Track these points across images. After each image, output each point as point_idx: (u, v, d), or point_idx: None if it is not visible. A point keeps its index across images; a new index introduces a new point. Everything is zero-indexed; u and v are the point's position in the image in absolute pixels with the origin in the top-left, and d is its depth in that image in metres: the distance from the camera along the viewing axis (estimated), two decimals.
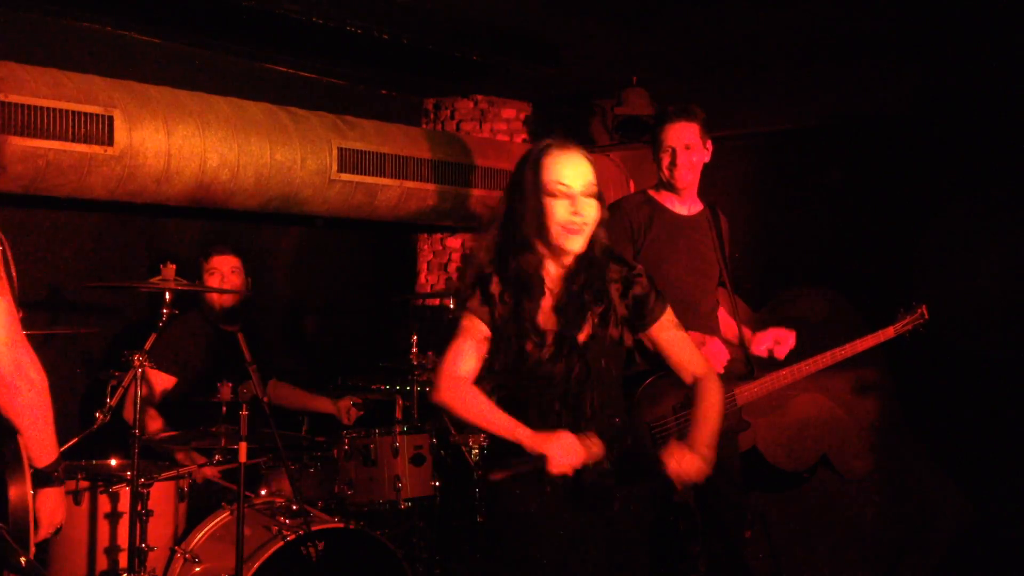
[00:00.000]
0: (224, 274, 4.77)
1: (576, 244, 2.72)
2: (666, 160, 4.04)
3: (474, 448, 4.88)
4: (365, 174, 5.25)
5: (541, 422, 2.76)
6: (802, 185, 5.66)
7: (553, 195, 2.71)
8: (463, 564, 5.14)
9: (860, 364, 5.43)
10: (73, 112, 4.21)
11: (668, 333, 2.85)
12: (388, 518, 4.61)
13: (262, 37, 5.25)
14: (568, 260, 2.77)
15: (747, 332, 4.29)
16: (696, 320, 4.12)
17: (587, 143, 6.46)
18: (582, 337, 2.75)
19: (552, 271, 2.80)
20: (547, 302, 2.78)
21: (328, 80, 6.01)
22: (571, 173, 2.71)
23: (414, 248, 6.78)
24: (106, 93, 4.39)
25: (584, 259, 2.76)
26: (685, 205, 4.12)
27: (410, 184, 5.45)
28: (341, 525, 4.11)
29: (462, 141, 5.99)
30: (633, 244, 4.01)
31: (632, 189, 6.48)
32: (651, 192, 4.16)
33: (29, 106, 4.09)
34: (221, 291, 4.65)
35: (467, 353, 2.77)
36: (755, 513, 5.48)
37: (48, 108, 4.14)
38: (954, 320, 5.19)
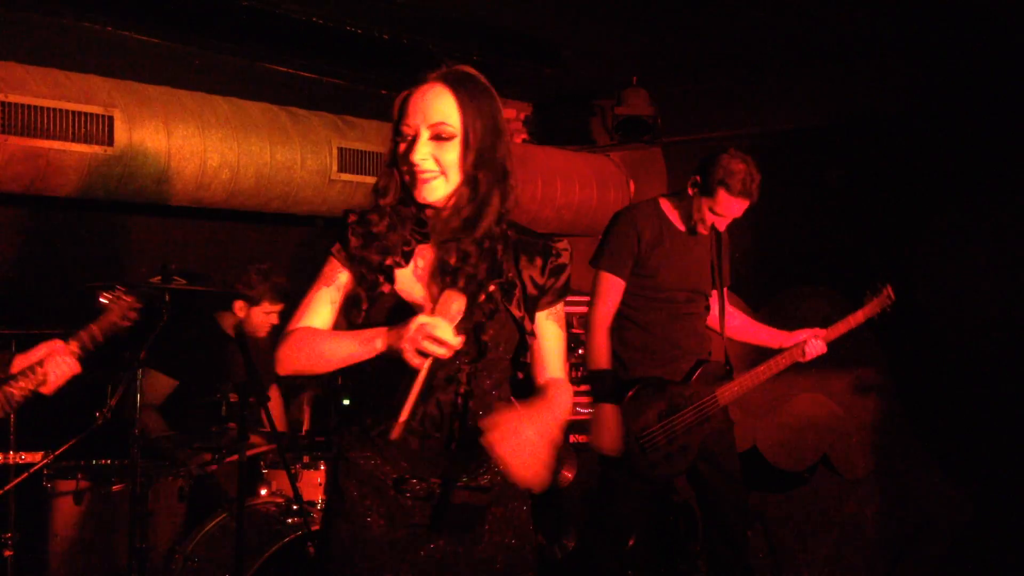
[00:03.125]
0: (267, 316, 4.70)
1: (428, 194, 2.21)
2: (709, 218, 4.03)
3: None
4: (365, 174, 5.25)
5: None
6: (802, 185, 5.66)
7: (400, 137, 2.23)
8: None
9: (860, 364, 5.45)
10: (73, 112, 4.21)
11: (552, 326, 2.35)
12: None
13: (262, 37, 5.25)
14: (434, 213, 2.27)
15: (769, 331, 4.32)
16: (689, 328, 4.14)
17: (587, 143, 6.52)
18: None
19: (432, 223, 2.29)
20: (426, 266, 2.27)
21: (328, 80, 6.01)
22: (413, 109, 2.22)
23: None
24: (106, 93, 4.38)
25: (463, 213, 2.25)
26: (689, 223, 4.14)
27: None
28: None
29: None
30: (634, 254, 4.03)
31: (632, 189, 6.48)
32: (663, 205, 4.15)
33: (29, 106, 4.09)
34: (218, 290, 4.64)
35: (318, 303, 2.27)
36: (755, 513, 5.49)
37: (48, 108, 4.14)
38: (954, 320, 5.20)
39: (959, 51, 5.19)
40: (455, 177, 2.23)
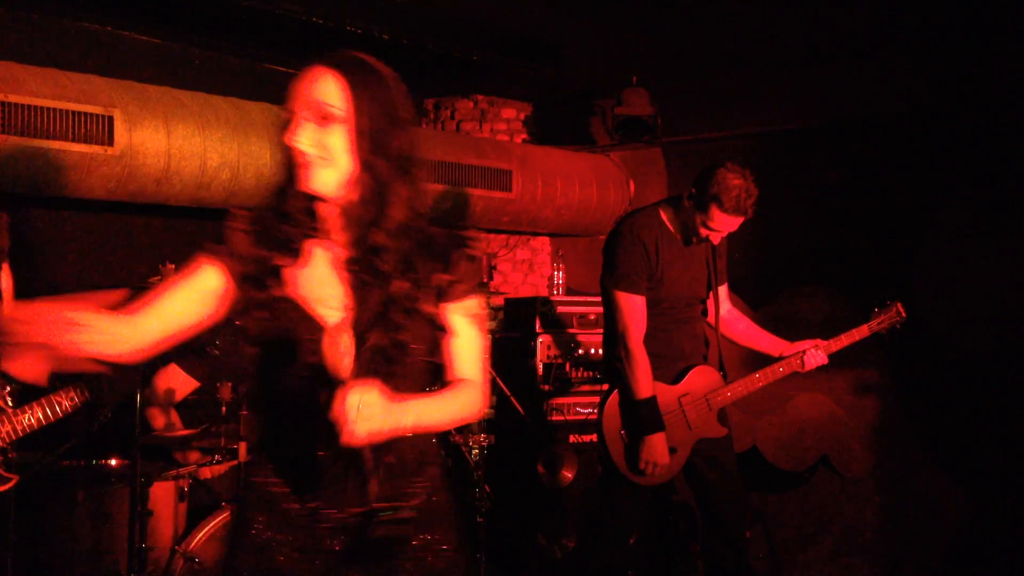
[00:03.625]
0: None
1: (312, 182, 1.99)
2: (703, 232, 4.01)
3: (474, 448, 4.88)
4: None
5: (304, 431, 2.01)
6: (802, 185, 5.66)
7: (285, 120, 2.03)
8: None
9: (860, 364, 5.44)
10: (73, 112, 4.21)
11: (464, 322, 2.11)
12: None
13: (262, 37, 5.25)
14: (324, 205, 2.06)
15: (770, 338, 4.30)
16: (687, 337, 4.14)
17: (587, 143, 6.52)
18: (370, 314, 2.01)
19: (321, 213, 2.07)
20: (319, 250, 2.07)
21: None
22: (296, 92, 2.02)
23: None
24: (106, 93, 4.38)
25: (375, 211, 2.02)
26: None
27: None
28: None
29: (462, 141, 6.00)
30: (648, 268, 4.01)
31: (632, 189, 6.48)
32: (661, 214, 4.13)
33: (29, 106, 4.09)
34: None
35: (167, 294, 2.02)
36: (755, 513, 5.48)
37: (48, 108, 4.14)
38: (954, 320, 5.20)
39: (959, 51, 5.19)
40: (345, 164, 2.00)
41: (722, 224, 3.95)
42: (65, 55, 4.75)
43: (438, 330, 2.08)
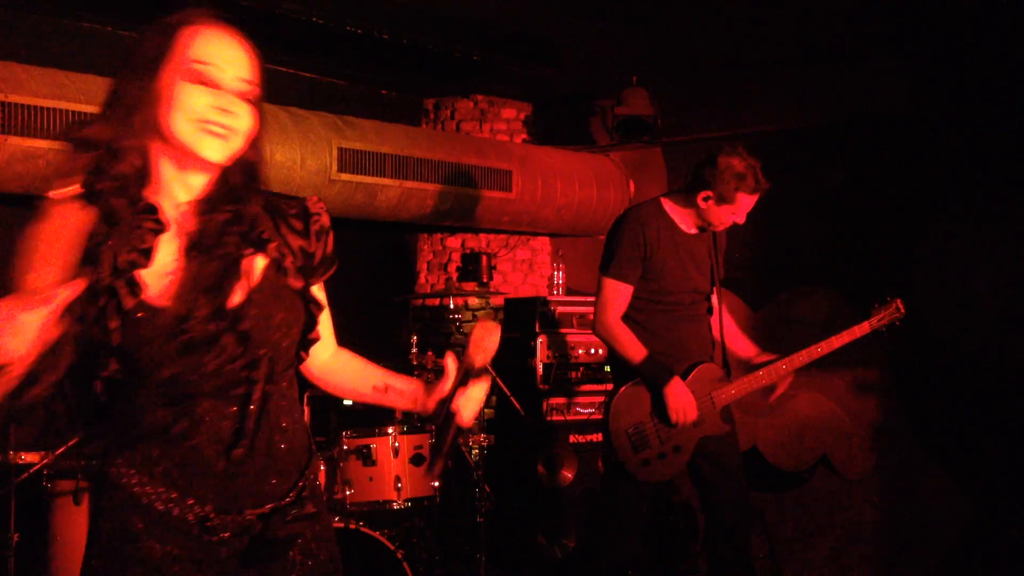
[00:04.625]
0: None
1: (215, 153, 1.84)
2: (729, 220, 4.02)
3: (474, 448, 4.88)
4: (365, 174, 5.25)
5: (178, 438, 1.81)
6: (802, 185, 5.66)
7: (190, 78, 1.80)
8: (463, 564, 5.15)
9: (860, 364, 5.44)
10: (73, 112, 4.20)
11: (324, 297, 2.04)
12: (388, 518, 4.61)
13: (262, 37, 5.24)
14: (199, 181, 1.86)
15: (746, 342, 4.30)
16: (691, 331, 4.14)
17: (587, 143, 6.52)
18: (240, 297, 1.83)
19: (178, 195, 1.84)
20: (172, 241, 1.82)
21: (328, 80, 6.01)
22: (225, 55, 1.88)
23: (414, 248, 6.78)
24: (106, 93, 4.38)
25: (232, 180, 1.91)
26: (692, 225, 4.13)
27: (410, 184, 5.45)
28: (341, 525, 4.11)
29: (462, 141, 6.00)
30: (642, 259, 4.02)
31: (632, 189, 6.49)
32: (665, 205, 4.14)
33: (30, 106, 4.09)
34: None
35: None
36: (755, 513, 5.49)
37: (48, 108, 4.14)
38: (954, 320, 5.20)
39: (959, 51, 5.19)
40: (238, 144, 1.92)
41: (749, 206, 3.98)
42: (65, 55, 4.75)
43: (309, 305, 1.96)
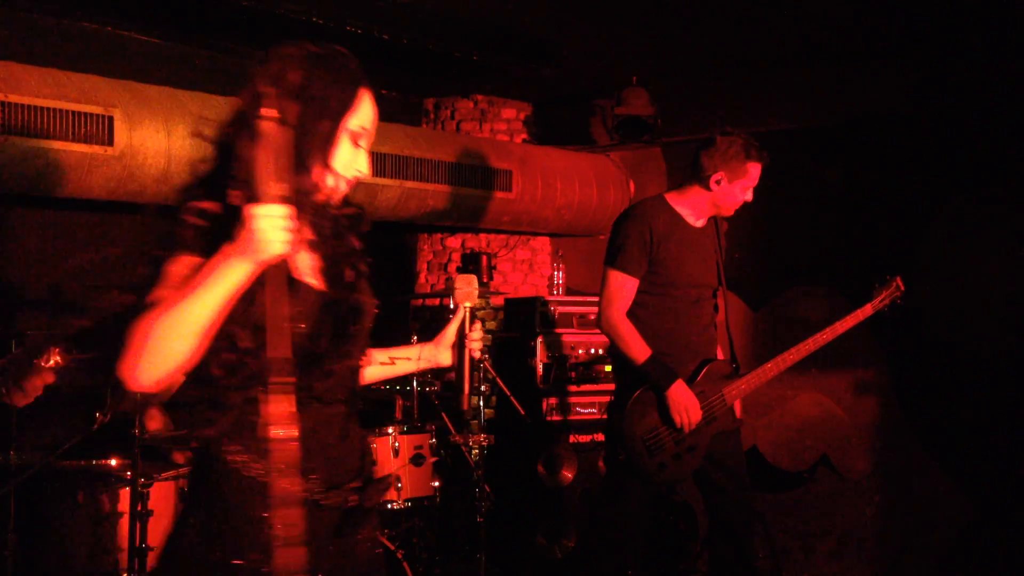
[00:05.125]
0: None
1: (347, 189, 2.13)
2: (741, 199, 4.05)
3: (474, 448, 4.88)
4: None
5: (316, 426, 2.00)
6: (802, 185, 5.66)
7: (352, 138, 2.09)
8: (463, 564, 5.14)
9: (860, 364, 5.45)
10: (73, 112, 4.21)
11: None
12: (388, 518, 4.62)
13: (262, 37, 5.25)
14: (331, 199, 2.13)
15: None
16: (698, 325, 4.14)
17: (587, 143, 6.52)
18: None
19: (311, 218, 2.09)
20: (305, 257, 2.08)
21: None
22: (371, 116, 2.14)
23: (414, 248, 6.78)
24: (106, 93, 4.38)
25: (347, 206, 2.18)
26: (699, 217, 4.13)
27: (410, 184, 5.45)
28: None
29: (462, 141, 6.00)
30: (649, 252, 4.01)
31: (632, 189, 6.49)
32: (669, 199, 4.14)
33: (29, 106, 4.09)
34: None
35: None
36: (755, 513, 5.49)
37: (48, 108, 4.14)
38: (954, 320, 5.20)
39: (959, 51, 5.19)
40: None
41: (757, 177, 4.04)
42: (65, 55, 4.75)
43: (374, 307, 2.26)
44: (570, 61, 5.65)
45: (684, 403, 3.92)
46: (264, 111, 1.90)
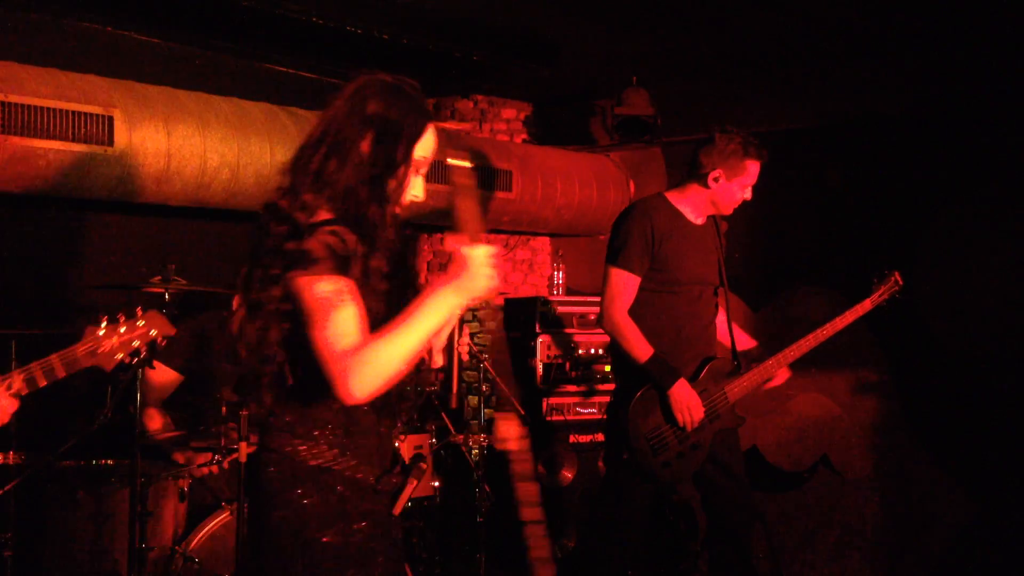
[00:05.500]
0: None
1: (405, 216, 2.42)
2: (739, 197, 4.06)
3: (474, 448, 4.88)
4: None
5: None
6: (802, 185, 5.66)
7: (415, 168, 2.33)
8: (463, 564, 5.14)
9: (860, 364, 5.44)
10: (73, 112, 4.20)
11: None
12: None
13: (262, 37, 5.25)
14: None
15: (741, 335, 4.31)
16: (700, 323, 4.14)
17: (587, 143, 6.52)
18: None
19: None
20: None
21: (328, 80, 6.01)
22: (434, 150, 2.38)
23: (414, 248, 6.76)
24: (106, 93, 4.38)
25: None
26: (699, 215, 4.13)
27: None
28: None
29: (462, 141, 5.99)
30: (650, 250, 4.01)
31: (632, 189, 6.48)
32: (669, 197, 4.14)
33: (29, 106, 4.08)
34: (218, 290, 4.64)
35: (358, 317, 2.14)
36: (755, 513, 5.49)
37: (48, 108, 4.14)
38: (954, 320, 5.20)
39: (959, 51, 5.19)
40: None
41: (755, 175, 4.05)
42: (65, 55, 4.75)
43: None
44: (570, 61, 5.65)
45: (686, 401, 3.92)
46: (455, 162, 2.22)
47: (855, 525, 5.53)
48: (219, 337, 4.59)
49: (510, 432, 2.36)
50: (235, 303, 2.26)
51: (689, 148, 4.22)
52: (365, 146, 2.25)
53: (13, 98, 4.05)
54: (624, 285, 4.00)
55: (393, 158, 2.25)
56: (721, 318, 4.24)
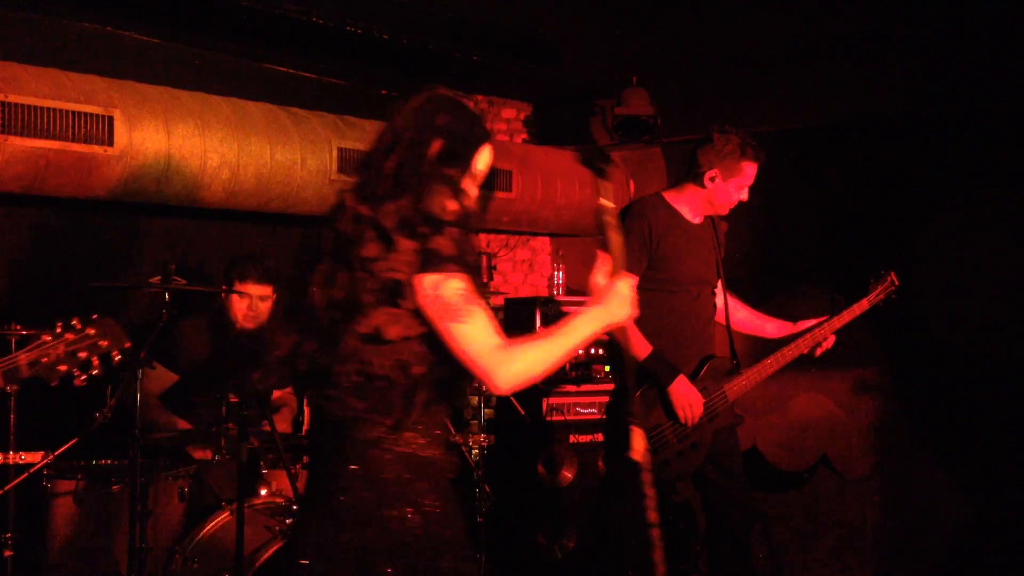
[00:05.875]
0: (253, 299, 4.68)
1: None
2: (735, 198, 4.06)
3: (474, 448, 4.88)
4: None
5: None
6: (802, 185, 5.66)
7: (474, 178, 2.47)
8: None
9: (860, 364, 5.44)
10: (73, 112, 4.21)
11: None
12: None
13: (262, 37, 5.25)
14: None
15: (775, 322, 4.34)
16: (698, 322, 4.14)
17: (587, 143, 6.52)
18: None
19: None
20: None
21: (328, 80, 6.01)
22: (490, 163, 2.54)
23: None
24: (106, 93, 4.38)
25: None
26: (696, 214, 4.13)
27: None
28: None
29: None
30: (648, 249, 4.01)
31: (632, 189, 6.48)
32: (667, 197, 4.15)
33: (30, 106, 4.09)
34: (217, 290, 4.64)
35: (492, 318, 2.30)
36: (755, 513, 5.49)
37: (48, 108, 4.14)
38: (954, 320, 5.20)
39: (959, 51, 5.19)
40: None
41: (752, 176, 4.05)
42: (65, 55, 4.75)
43: None
44: (570, 61, 5.65)
45: (687, 398, 3.93)
46: (605, 203, 2.45)
47: (855, 525, 5.53)
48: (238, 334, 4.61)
49: (639, 444, 2.60)
50: (316, 298, 2.29)
51: (689, 148, 4.23)
52: (434, 153, 2.35)
53: (13, 98, 4.05)
54: None
55: (458, 165, 2.39)
56: (720, 315, 4.25)
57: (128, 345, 2.68)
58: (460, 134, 2.40)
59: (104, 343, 2.60)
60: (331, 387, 2.28)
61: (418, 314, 2.22)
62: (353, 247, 2.26)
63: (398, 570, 2.24)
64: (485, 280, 6.35)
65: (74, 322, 2.61)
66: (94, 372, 2.56)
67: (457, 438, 4.80)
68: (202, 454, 4.28)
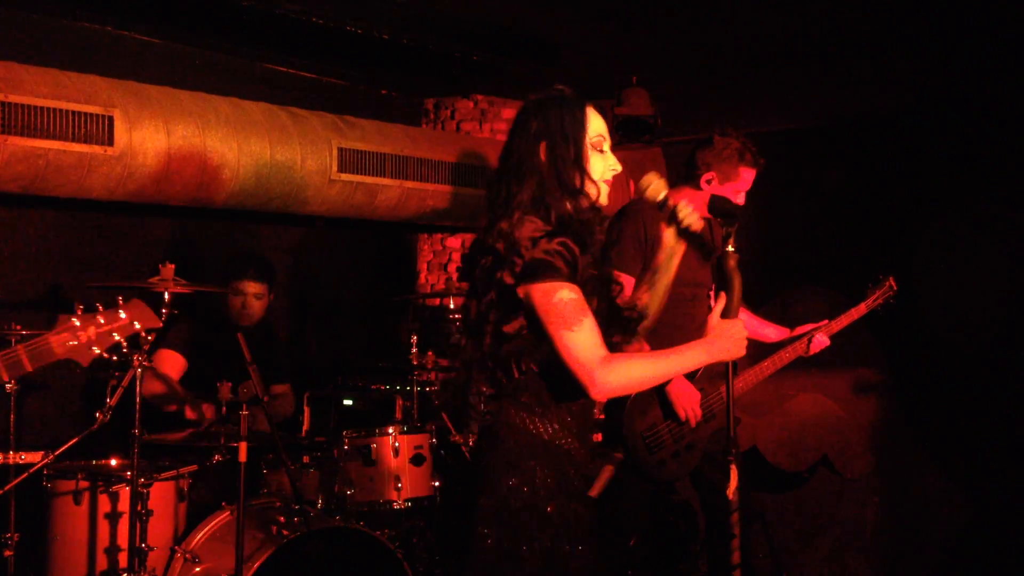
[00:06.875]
0: (247, 297, 4.74)
1: (606, 200, 2.67)
2: (734, 200, 4.06)
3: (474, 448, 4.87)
4: (365, 174, 5.25)
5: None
6: (802, 185, 5.66)
7: (595, 148, 2.61)
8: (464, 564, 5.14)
9: (860, 364, 5.44)
10: (73, 112, 4.21)
11: None
12: (388, 518, 4.61)
13: (262, 37, 5.25)
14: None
15: (772, 327, 4.34)
16: (693, 324, 4.14)
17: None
18: None
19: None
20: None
21: (328, 80, 6.01)
22: (603, 124, 2.66)
23: (414, 248, 6.77)
24: (106, 93, 4.38)
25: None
26: None
27: (410, 184, 5.45)
28: (341, 525, 4.11)
29: (462, 141, 5.99)
30: (643, 250, 4.02)
31: (632, 189, 6.48)
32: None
33: (29, 106, 4.09)
34: (217, 289, 4.65)
35: (597, 328, 2.46)
36: (755, 513, 5.49)
37: (48, 108, 4.14)
38: (954, 320, 5.20)
39: (959, 51, 5.19)
40: None
41: (749, 182, 4.07)
42: (65, 55, 4.75)
43: None
44: (570, 61, 5.65)
45: (686, 397, 3.93)
46: (731, 249, 2.71)
47: (855, 525, 5.53)
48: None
49: (735, 483, 2.82)
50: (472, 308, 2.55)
51: (689, 148, 4.23)
52: (543, 157, 2.57)
53: (13, 98, 4.05)
54: None
55: (567, 155, 2.54)
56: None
57: (159, 324, 2.76)
58: (556, 128, 2.59)
59: (137, 325, 2.64)
60: (482, 380, 2.56)
61: (534, 318, 2.42)
62: (489, 258, 2.50)
63: (496, 535, 2.50)
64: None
65: (99, 306, 2.64)
66: (124, 352, 2.65)
67: (457, 438, 4.80)
68: (192, 414, 4.32)
